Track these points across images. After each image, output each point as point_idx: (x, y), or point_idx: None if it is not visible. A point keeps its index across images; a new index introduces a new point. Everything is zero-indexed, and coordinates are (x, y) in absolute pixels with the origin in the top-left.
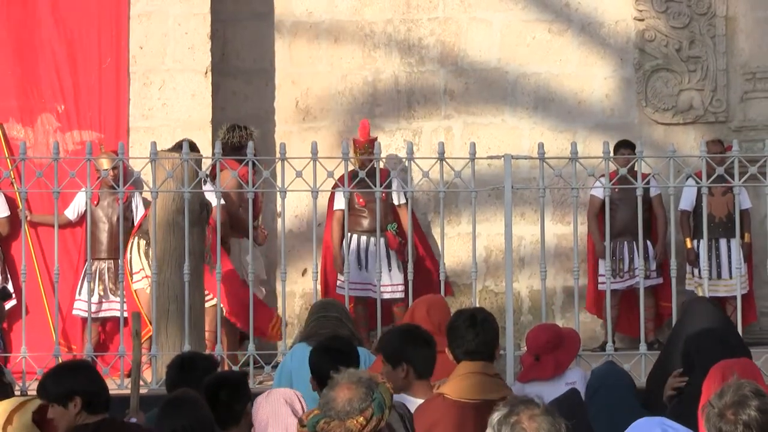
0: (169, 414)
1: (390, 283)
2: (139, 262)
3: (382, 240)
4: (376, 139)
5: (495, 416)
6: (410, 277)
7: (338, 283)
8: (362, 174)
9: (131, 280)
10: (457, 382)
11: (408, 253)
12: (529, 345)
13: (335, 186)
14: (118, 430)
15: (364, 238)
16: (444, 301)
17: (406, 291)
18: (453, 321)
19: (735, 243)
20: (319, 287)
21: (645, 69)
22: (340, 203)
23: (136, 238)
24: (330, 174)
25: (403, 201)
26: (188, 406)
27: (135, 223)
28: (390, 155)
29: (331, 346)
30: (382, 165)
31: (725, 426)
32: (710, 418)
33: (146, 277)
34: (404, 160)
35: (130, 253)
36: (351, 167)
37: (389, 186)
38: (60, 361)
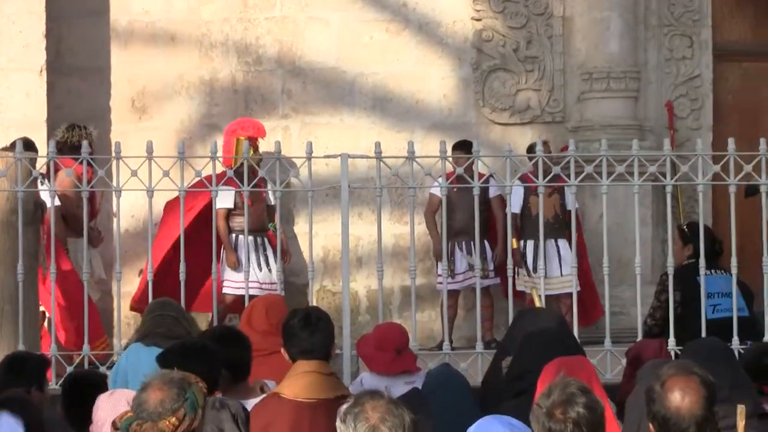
0: None
1: (270, 282)
2: None
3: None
4: (256, 139)
5: (342, 408)
6: (281, 277)
7: (225, 283)
8: (230, 173)
9: None
10: (292, 382)
11: (278, 252)
12: (389, 340)
13: (200, 185)
14: None
15: (242, 237)
16: (283, 301)
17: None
18: (287, 321)
19: (563, 242)
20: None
21: (482, 69)
22: (224, 202)
23: None
24: (165, 173)
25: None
26: (16, 408)
27: None
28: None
29: (185, 347)
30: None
31: (554, 425)
32: (539, 418)
33: None
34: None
35: None
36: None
37: (265, 185)
38: None
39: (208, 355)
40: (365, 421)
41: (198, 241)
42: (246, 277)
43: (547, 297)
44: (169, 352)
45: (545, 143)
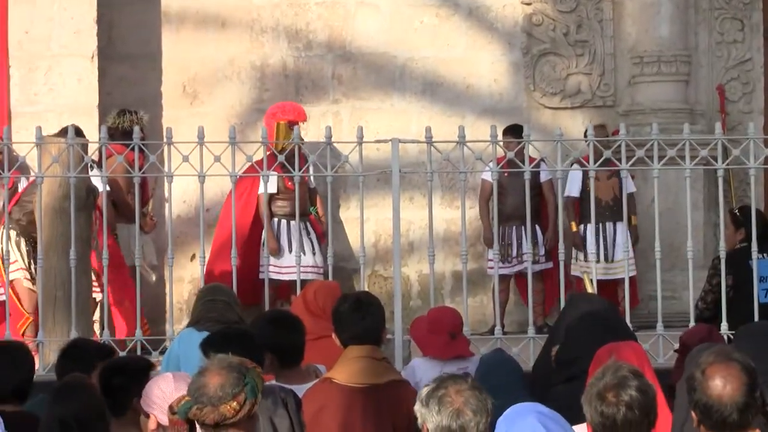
0: (58, 401)
1: (313, 265)
2: (13, 253)
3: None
4: (297, 123)
5: (423, 391)
6: (330, 261)
7: (260, 268)
8: (281, 158)
9: (4, 270)
10: (344, 367)
11: (329, 237)
12: (442, 324)
13: (251, 170)
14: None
15: (284, 221)
16: (335, 286)
17: (326, 274)
18: (338, 306)
19: (621, 226)
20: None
21: (533, 53)
22: (263, 187)
23: (5, 228)
24: (217, 158)
25: (313, 185)
26: (78, 392)
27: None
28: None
29: (228, 332)
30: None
31: (606, 408)
32: (591, 402)
33: (22, 268)
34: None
35: (1, 243)
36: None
37: (308, 170)
38: None
39: (250, 340)
40: (449, 404)
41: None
42: (297, 262)
43: (607, 281)
44: (210, 338)
45: (603, 126)
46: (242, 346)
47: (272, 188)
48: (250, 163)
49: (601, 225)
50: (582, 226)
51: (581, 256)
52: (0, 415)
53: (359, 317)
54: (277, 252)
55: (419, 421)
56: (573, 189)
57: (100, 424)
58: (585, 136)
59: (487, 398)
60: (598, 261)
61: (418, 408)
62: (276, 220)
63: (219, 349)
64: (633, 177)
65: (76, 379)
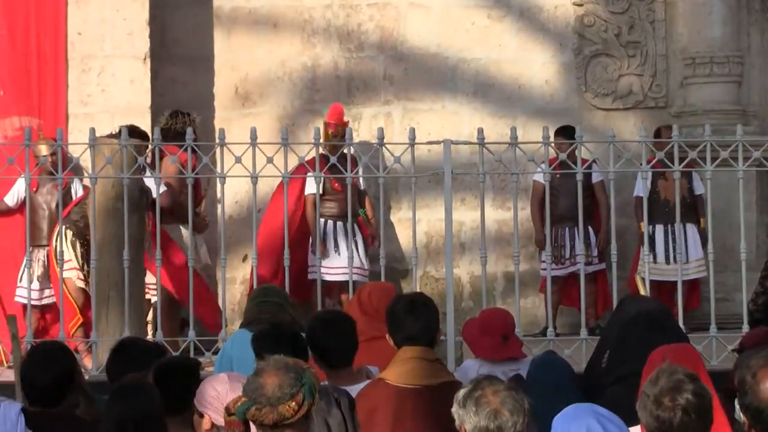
0: (116, 402)
1: (359, 266)
2: (67, 253)
3: (345, 224)
4: (347, 123)
5: (460, 393)
6: (383, 263)
7: (309, 269)
8: (333, 159)
9: (58, 268)
10: (397, 368)
11: (380, 238)
12: (492, 326)
13: (301, 170)
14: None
15: (330, 222)
16: (389, 287)
17: (372, 277)
18: (392, 306)
19: (691, 226)
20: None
21: (584, 54)
22: (311, 188)
23: (63, 227)
24: (269, 159)
25: (364, 187)
26: (137, 393)
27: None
28: (362, 141)
29: (275, 332)
30: (353, 150)
31: (663, 413)
32: (647, 406)
33: (75, 268)
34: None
35: (56, 242)
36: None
37: (359, 172)
38: (1, 348)
39: (296, 341)
40: (486, 405)
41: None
42: (350, 263)
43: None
44: (258, 336)
45: (669, 128)
46: (288, 347)
47: (314, 189)
48: (300, 164)
49: (669, 226)
50: (650, 227)
51: (650, 257)
52: (24, 413)
53: (414, 318)
54: (323, 252)
55: (457, 422)
56: (639, 188)
57: (158, 424)
58: (654, 136)
59: (524, 398)
60: (667, 262)
61: (455, 409)
62: (323, 220)
63: (265, 347)
64: (702, 179)
65: (134, 380)
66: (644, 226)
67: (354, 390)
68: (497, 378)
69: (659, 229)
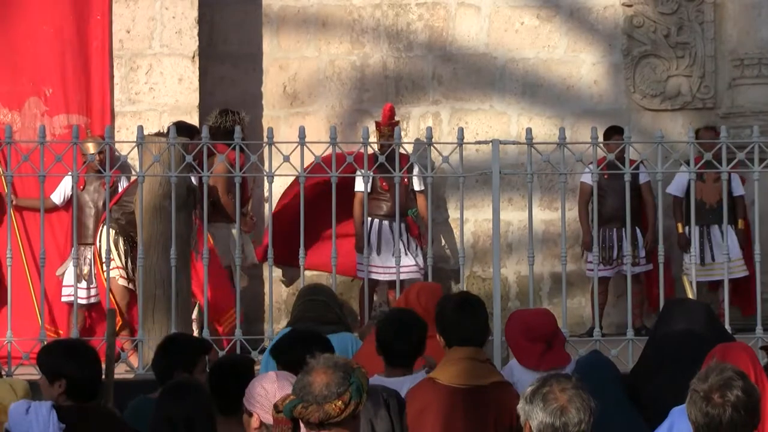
0: (167, 401)
1: (407, 264)
2: (111, 252)
3: (392, 223)
4: (397, 123)
5: (528, 389)
6: (430, 262)
7: (358, 266)
8: (382, 158)
9: (102, 268)
10: (447, 368)
11: (429, 238)
12: (536, 333)
13: (351, 170)
14: (103, 419)
15: (380, 221)
16: (437, 288)
17: (424, 276)
18: (442, 306)
19: (727, 228)
20: (306, 272)
21: (633, 55)
22: (360, 186)
23: (105, 226)
24: (318, 159)
25: (422, 187)
26: (187, 392)
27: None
28: (417, 140)
29: (298, 334)
30: (403, 150)
31: (712, 409)
32: (696, 402)
33: (118, 267)
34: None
35: (100, 242)
36: (371, 151)
37: (409, 171)
38: None
39: (320, 343)
40: (554, 401)
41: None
42: (397, 263)
43: (710, 283)
44: (282, 340)
45: (712, 129)
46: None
47: (362, 187)
48: (348, 163)
49: (705, 227)
50: (687, 229)
51: (687, 258)
52: (56, 410)
53: (464, 318)
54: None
55: (522, 418)
56: (675, 188)
57: (208, 423)
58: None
59: (590, 398)
60: (704, 263)
61: (521, 406)
62: (369, 219)
63: (287, 352)
64: (743, 181)
65: (185, 379)
66: (687, 227)
67: (409, 381)
68: (566, 375)
69: (695, 230)
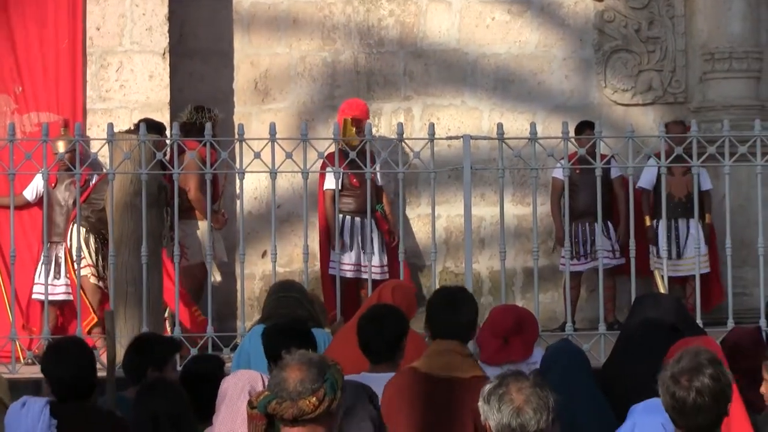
0: (147, 398)
1: (377, 264)
2: (81, 250)
3: (363, 219)
4: (362, 120)
5: (486, 388)
6: (402, 258)
7: (330, 264)
8: (353, 155)
9: (73, 267)
10: (428, 359)
11: (400, 234)
12: (495, 327)
13: (323, 165)
14: (99, 417)
15: (352, 218)
16: (409, 287)
17: (391, 273)
18: (432, 298)
19: (694, 223)
20: (278, 269)
21: (604, 50)
22: (330, 183)
23: (75, 224)
24: (288, 155)
25: (381, 182)
26: (168, 390)
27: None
28: (382, 136)
29: (284, 327)
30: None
31: (678, 391)
32: (665, 383)
33: (89, 265)
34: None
35: (70, 240)
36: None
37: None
38: (18, 344)
39: (307, 337)
40: (510, 402)
41: None
42: (369, 260)
43: (675, 278)
44: (267, 332)
45: (680, 123)
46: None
47: (333, 185)
48: (321, 160)
49: (673, 221)
50: (655, 222)
51: (656, 251)
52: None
53: (450, 312)
54: (341, 248)
55: (482, 418)
56: (644, 181)
57: (189, 419)
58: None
59: (548, 396)
60: (670, 258)
61: (480, 405)
62: (341, 216)
63: (276, 342)
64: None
65: (163, 377)
66: (657, 220)
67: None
68: (523, 374)
69: (662, 224)
